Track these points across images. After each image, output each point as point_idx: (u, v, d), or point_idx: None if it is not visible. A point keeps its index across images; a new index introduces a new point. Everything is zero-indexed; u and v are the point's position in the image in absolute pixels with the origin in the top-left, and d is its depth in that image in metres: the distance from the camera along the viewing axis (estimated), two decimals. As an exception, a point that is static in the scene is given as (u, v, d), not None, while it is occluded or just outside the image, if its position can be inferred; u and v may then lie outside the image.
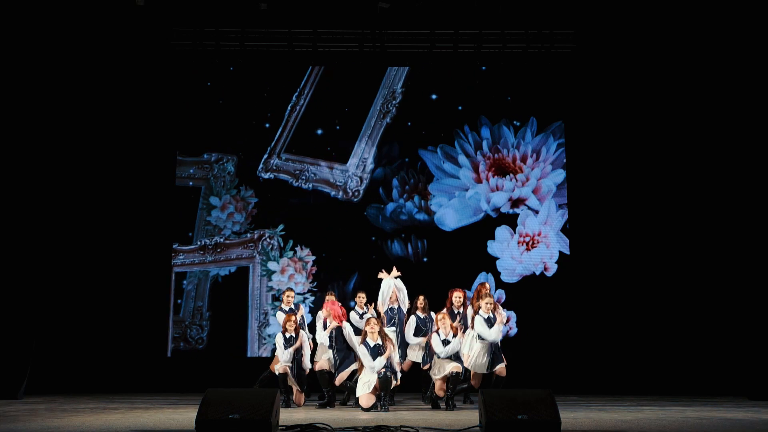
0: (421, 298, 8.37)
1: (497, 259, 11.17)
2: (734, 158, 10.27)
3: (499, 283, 11.08)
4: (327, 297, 8.75)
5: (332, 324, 7.81)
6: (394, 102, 11.63)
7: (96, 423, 5.63)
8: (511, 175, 11.41)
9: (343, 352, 7.75)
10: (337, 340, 7.78)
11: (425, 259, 11.19)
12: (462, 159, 11.48)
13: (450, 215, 11.33)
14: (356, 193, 11.39)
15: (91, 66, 11.03)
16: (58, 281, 10.36)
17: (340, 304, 8.20)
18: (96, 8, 10.52)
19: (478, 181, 11.42)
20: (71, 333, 10.40)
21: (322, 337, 7.95)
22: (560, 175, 11.35)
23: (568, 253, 11.11)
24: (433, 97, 11.66)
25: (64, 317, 10.37)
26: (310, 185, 11.45)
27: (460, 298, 8.33)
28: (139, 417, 6.23)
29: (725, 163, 10.38)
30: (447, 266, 11.06)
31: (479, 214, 11.32)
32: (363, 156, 11.50)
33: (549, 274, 11.10)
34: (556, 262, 11.11)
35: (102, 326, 10.53)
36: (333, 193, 11.44)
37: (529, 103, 11.55)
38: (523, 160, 11.45)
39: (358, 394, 7.22)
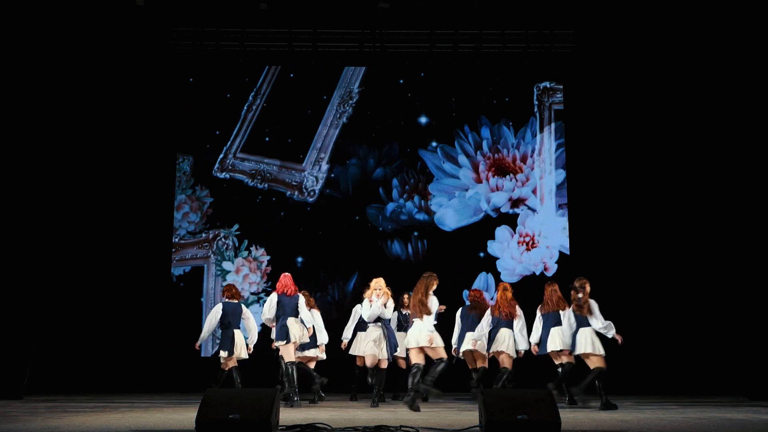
0: (406, 295, 8.68)
1: (497, 259, 11.17)
2: (734, 158, 10.28)
3: (500, 283, 11.06)
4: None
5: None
6: (351, 102, 11.63)
7: (96, 423, 5.63)
8: (511, 175, 11.42)
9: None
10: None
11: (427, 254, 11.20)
12: (462, 159, 11.49)
13: (450, 215, 11.34)
14: (312, 193, 11.40)
15: (91, 66, 11.03)
16: (58, 281, 10.36)
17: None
18: (96, 8, 10.52)
19: (478, 181, 11.43)
20: (71, 333, 10.40)
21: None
22: (560, 175, 11.35)
23: (568, 253, 11.12)
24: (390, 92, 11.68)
25: (64, 317, 10.37)
26: (266, 185, 11.46)
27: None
28: (139, 417, 6.23)
29: (725, 164, 10.39)
30: (447, 266, 11.05)
31: (479, 214, 11.33)
32: (319, 156, 11.50)
33: (549, 274, 11.10)
34: (556, 262, 11.12)
35: (102, 326, 10.53)
36: (289, 192, 11.45)
37: (529, 103, 11.55)
38: (523, 160, 11.45)
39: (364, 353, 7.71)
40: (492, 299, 11.07)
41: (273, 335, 7.86)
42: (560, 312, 7.87)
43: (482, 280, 11.13)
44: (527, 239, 11.21)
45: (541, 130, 11.57)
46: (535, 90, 11.67)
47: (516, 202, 11.34)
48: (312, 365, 8.48)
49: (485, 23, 11.18)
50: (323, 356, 8.56)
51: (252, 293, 10.87)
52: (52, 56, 10.55)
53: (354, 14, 11.04)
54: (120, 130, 11.17)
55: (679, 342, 10.31)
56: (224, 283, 10.37)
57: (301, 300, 7.90)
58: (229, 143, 11.52)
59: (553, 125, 11.53)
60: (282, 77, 11.76)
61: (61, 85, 10.67)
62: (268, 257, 11.23)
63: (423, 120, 11.64)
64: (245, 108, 11.63)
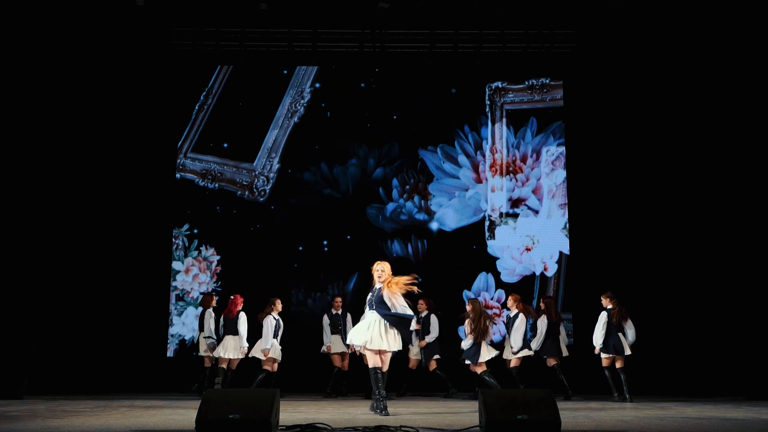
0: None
1: (497, 259, 11.17)
2: (733, 158, 10.28)
3: (499, 283, 11.09)
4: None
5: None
6: (302, 102, 11.62)
7: (96, 423, 5.63)
8: (511, 175, 11.42)
9: None
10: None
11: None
12: (462, 159, 11.49)
13: (450, 215, 11.34)
14: (263, 193, 11.39)
15: (91, 66, 11.03)
16: (58, 281, 10.36)
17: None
18: (96, 8, 10.52)
19: (478, 181, 11.43)
20: (71, 333, 10.39)
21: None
22: (560, 175, 11.35)
23: (568, 253, 11.12)
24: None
25: (64, 317, 10.37)
26: (216, 185, 11.44)
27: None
28: (139, 417, 6.23)
29: (725, 164, 10.39)
30: (447, 266, 11.07)
31: (479, 214, 11.33)
32: (270, 155, 11.49)
33: (549, 274, 11.10)
34: (556, 262, 11.12)
35: (102, 326, 10.53)
36: (239, 192, 11.43)
37: (529, 104, 11.56)
38: (523, 160, 11.45)
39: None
40: (492, 299, 11.09)
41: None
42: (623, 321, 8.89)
43: (482, 280, 11.13)
44: (527, 239, 11.21)
45: (494, 128, 11.54)
46: (487, 90, 11.66)
47: (516, 202, 11.34)
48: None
49: (485, 23, 11.18)
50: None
51: (201, 293, 10.86)
52: (52, 56, 10.55)
53: (354, 14, 11.03)
54: (120, 130, 11.15)
55: (679, 342, 10.29)
56: (175, 285, 11.00)
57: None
58: (179, 143, 11.51)
59: (504, 124, 11.51)
60: (234, 76, 11.72)
61: (61, 85, 10.67)
62: (218, 257, 11.23)
63: (394, 117, 11.58)
64: (196, 107, 11.61)
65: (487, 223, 11.27)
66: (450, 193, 11.41)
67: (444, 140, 11.54)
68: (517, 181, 11.39)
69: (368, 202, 11.39)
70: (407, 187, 11.45)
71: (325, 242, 11.24)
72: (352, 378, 9.61)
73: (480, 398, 4.95)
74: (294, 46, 11.50)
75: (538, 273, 11.12)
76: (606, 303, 8.89)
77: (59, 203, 10.56)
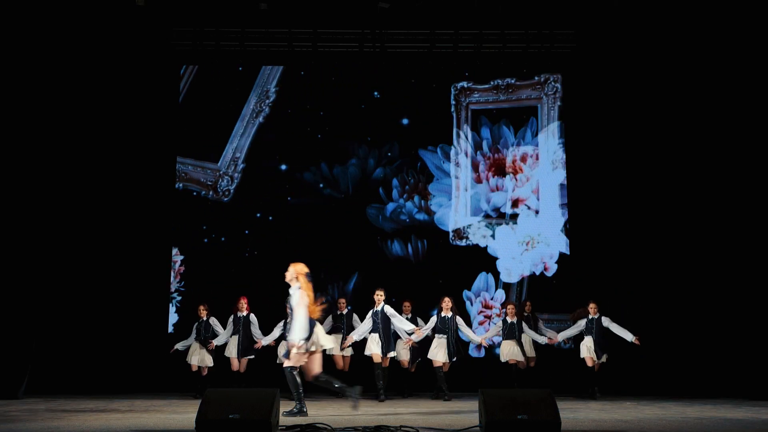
0: (407, 303, 9.76)
1: (497, 259, 11.17)
2: (734, 158, 10.28)
3: (499, 283, 11.08)
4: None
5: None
6: (267, 101, 11.60)
7: (96, 423, 5.63)
8: (511, 175, 11.41)
9: None
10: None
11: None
12: (462, 159, 11.48)
13: (450, 215, 11.33)
14: (227, 193, 11.37)
15: (91, 66, 11.02)
16: (58, 281, 10.35)
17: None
18: (96, 8, 10.51)
19: (478, 181, 11.42)
20: (71, 333, 10.39)
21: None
22: (560, 175, 11.34)
23: (568, 253, 11.11)
24: (376, 94, 11.67)
25: (64, 317, 10.37)
26: (181, 184, 11.42)
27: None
28: (139, 417, 6.23)
29: (725, 164, 10.38)
30: (447, 266, 11.07)
31: (479, 214, 11.32)
32: (235, 155, 11.48)
33: (549, 274, 11.10)
34: (556, 262, 11.12)
35: (102, 326, 10.52)
36: (204, 192, 11.41)
37: (529, 103, 11.55)
38: (523, 160, 11.45)
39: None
40: (492, 299, 11.09)
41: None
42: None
43: (482, 280, 11.13)
44: (527, 239, 11.21)
45: (459, 127, 11.52)
46: (452, 90, 11.64)
47: (516, 202, 11.34)
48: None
49: (485, 23, 11.17)
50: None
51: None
52: (53, 56, 10.53)
53: (354, 14, 11.01)
54: (120, 129, 11.15)
55: (679, 342, 10.29)
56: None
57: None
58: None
59: (468, 126, 11.49)
60: (200, 76, 11.68)
61: (60, 85, 10.65)
62: (181, 257, 11.21)
63: (358, 115, 11.53)
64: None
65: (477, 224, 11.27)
66: (450, 193, 11.41)
67: (444, 140, 11.53)
68: (517, 181, 11.38)
69: (368, 202, 11.39)
70: (407, 187, 11.45)
71: (325, 242, 11.22)
72: (353, 377, 9.56)
73: (480, 398, 4.95)
74: (294, 46, 11.49)
75: (538, 273, 11.11)
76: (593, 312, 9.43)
77: (58, 203, 10.54)
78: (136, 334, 10.61)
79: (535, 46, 11.38)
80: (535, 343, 9.71)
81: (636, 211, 10.88)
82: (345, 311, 9.85)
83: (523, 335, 9.56)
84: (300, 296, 6.64)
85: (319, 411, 7.08)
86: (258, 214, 11.34)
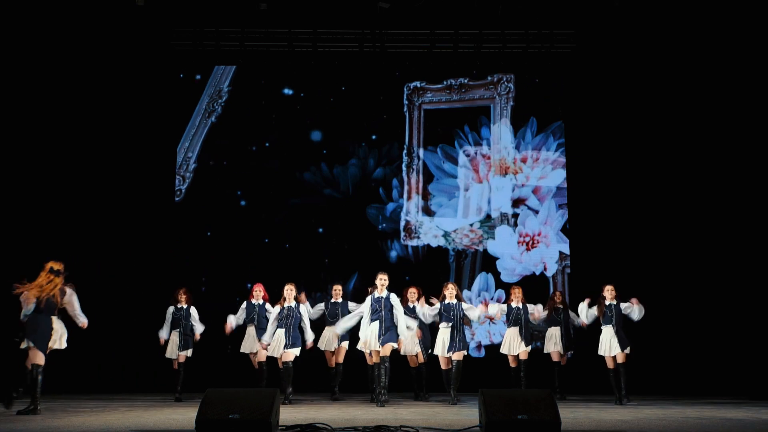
0: (414, 288, 8.90)
1: (497, 259, 11.17)
2: (733, 158, 10.28)
3: (499, 283, 11.09)
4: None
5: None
6: (220, 101, 11.60)
7: (96, 423, 5.62)
8: (511, 175, 11.42)
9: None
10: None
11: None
12: (462, 159, 11.48)
13: (450, 215, 11.33)
14: (178, 193, 11.37)
15: (91, 66, 11.03)
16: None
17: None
18: (96, 8, 10.52)
19: (478, 181, 11.42)
20: (71, 333, 10.35)
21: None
22: (560, 175, 11.35)
23: (568, 253, 11.12)
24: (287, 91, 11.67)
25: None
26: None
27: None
28: (139, 417, 6.23)
29: (724, 164, 10.39)
30: (447, 266, 11.07)
31: (479, 214, 11.32)
32: (187, 155, 11.46)
33: (549, 274, 11.10)
34: (556, 262, 11.12)
35: (102, 326, 10.50)
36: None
37: (529, 103, 11.56)
38: (523, 160, 11.45)
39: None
40: (492, 299, 11.09)
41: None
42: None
43: (482, 280, 11.13)
44: (527, 239, 11.22)
45: (410, 127, 11.54)
46: (405, 89, 11.65)
47: (516, 202, 11.34)
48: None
49: (485, 23, 11.17)
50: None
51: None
52: (53, 56, 10.54)
53: (354, 14, 11.03)
54: (119, 129, 11.15)
55: (679, 342, 10.30)
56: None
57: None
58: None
59: (421, 125, 11.49)
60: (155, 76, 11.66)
61: (60, 85, 10.66)
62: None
63: (306, 118, 11.57)
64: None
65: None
66: (450, 193, 11.41)
67: (444, 140, 11.54)
68: (517, 181, 11.39)
69: (368, 202, 11.39)
70: (407, 187, 11.45)
71: (325, 242, 11.23)
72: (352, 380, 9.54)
73: (480, 398, 4.95)
74: (294, 46, 11.50)
75: (538, 273, 11.11)
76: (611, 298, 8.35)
77: (58, 204, 10.55)
78: (136, 334, 10.60)
79: (535, 46, 11.38)
80: (567, 338, 8.96)
81: (636, 211, 10.89)
82: (340, 300, 8.96)
83: (552, 329, 9.03)
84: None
85: (319, 411, 7.08)
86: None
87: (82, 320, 7.17)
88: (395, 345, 7.80)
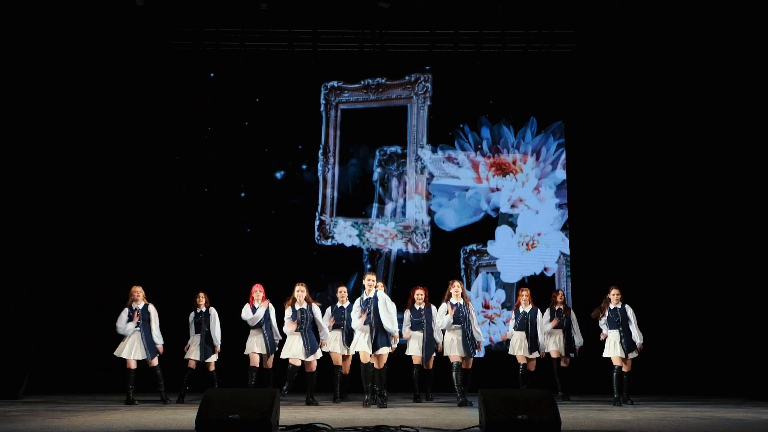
0: (421, 289, 8.62)
1: (497, 259, 11.17)
2: (733, 158, 10.28)
3: (499, 283, 11.08)
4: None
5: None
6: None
7: (96, 423, 5.62)
8: (511, 175, 11.41)
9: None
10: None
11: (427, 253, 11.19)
12: (462, 159, 11.48)
13: (450, 215, 11.33)
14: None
15: (91, 66, 11.02)
16: (59, 282, 10.35)
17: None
18: (96, 8, 10.52)
19: (478, 181, 11.42)
20: (71, 333, 10.38)
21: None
22: (560, 175, 11.35)
23: (568, 253, 11.11)
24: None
25: (64, 317, 10.36)
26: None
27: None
28: (139, 417, 6.23)
29: (724, 163, 10.39)
30: (447, 266, 11.06)
31: (479, 214, 11.32)
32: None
33: (549, 274, 11.10)
34: (556, 262, 11.12)
35: (102, 327, 10.51)
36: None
37: (529, 103, 11.55)
38: (523, 160, 11.45)
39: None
40: (492, 299, 11.09)
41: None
42: None
43: (482, 280, 11.13)
44: (527, 239, 11.21)
45: (327, 128, 11.51)
46: (322, 89, 11.62)
47: (516, 202, 11.34)
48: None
49: (485, 23, 11.17)
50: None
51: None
52: (53, 56, 10.54)
53: (354, 14, 11.02)
54: (119, 129, 11.15)
55: (679, 342, 10.30)
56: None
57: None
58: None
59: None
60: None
61: (61, 85, 10.66)
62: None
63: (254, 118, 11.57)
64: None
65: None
66: (450, 193, 11.41)
67: (444, 140, 11.53)
68: (517, 181, 11.38)
69: (368, 202, 11.39)
70: (407, 187, 11.45)
71: (325, 242, 11.23)
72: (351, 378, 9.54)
73: (480, 398, 4.95)
74: (294, 46, 11.50)
75: (538, 273, 11.11)
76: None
77: (58, 203, 10.55)
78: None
79: (535, 46, 11.39)
80: (568, 341, 8.85)
81: (636, 211, 10.90)
82: (347, 304, 8.64)
83: (554, 330, 8.87)
84: None
85: (319, 411, 7.08)
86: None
87: None
88: (390, 349, 7.59)
